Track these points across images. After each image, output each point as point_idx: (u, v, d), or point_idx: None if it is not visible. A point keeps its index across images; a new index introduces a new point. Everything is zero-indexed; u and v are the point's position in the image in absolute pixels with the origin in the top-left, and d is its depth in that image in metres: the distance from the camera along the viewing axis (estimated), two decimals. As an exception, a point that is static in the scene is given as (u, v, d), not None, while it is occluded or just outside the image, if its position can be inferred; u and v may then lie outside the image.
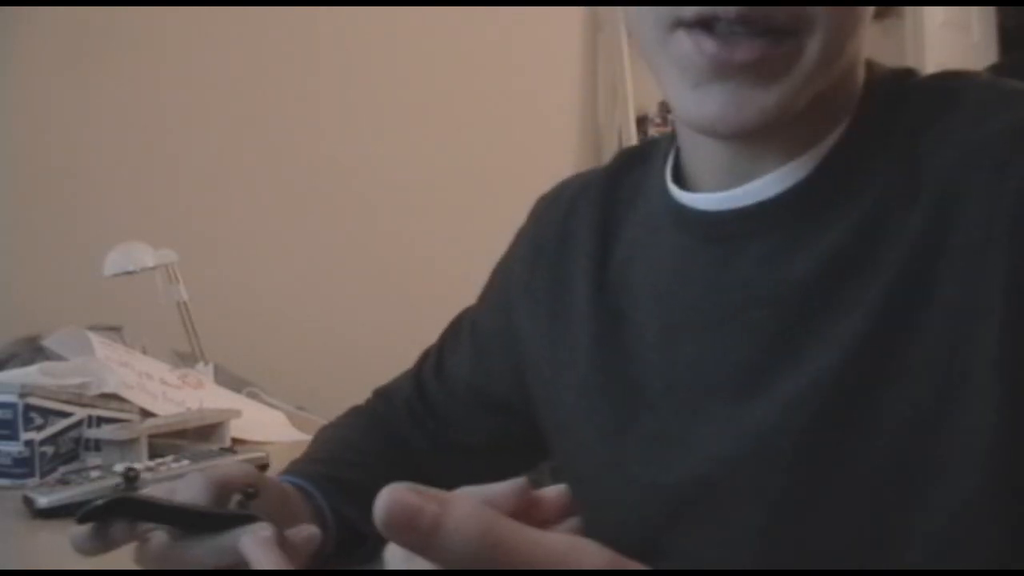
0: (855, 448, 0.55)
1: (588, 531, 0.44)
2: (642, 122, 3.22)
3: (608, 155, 3.43)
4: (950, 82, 0.60)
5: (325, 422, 1.45)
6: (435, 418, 0.83)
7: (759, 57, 0.53)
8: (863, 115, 0.60)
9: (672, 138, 0.68)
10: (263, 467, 0.88)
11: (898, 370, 0.54)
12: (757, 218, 0.59)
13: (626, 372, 0.65)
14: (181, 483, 0.63)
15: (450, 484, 0.58)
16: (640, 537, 0.62)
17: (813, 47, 0.54)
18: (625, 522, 0.63)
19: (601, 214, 0.72)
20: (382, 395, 0.89)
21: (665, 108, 3.28)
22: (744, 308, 0.59)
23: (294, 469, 0.77)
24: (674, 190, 0.65)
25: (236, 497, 0.60)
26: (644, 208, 0.69)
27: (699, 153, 0.63)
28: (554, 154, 3.20)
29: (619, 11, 3.17)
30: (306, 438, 1.26)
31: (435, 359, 0.86)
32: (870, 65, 0.62)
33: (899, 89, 0.61)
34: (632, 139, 3.14)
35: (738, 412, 0.58)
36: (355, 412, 0.89)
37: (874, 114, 0.60)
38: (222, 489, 0.62)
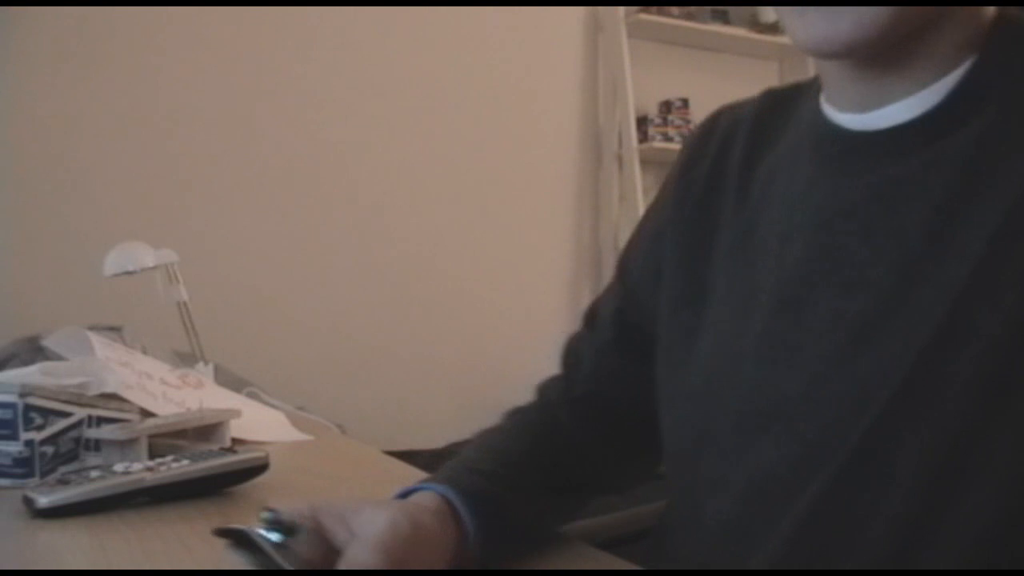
0: (940, 388, 0.57)
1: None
2: (642, 122, 3.22)
3: (608, 155, 3.42)
4: None
5: (325, 422, 1.45)
6: (584, 378, 0.84)
7: None
8: (990, 53, 0.61)
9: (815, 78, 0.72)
10: (262, 467, 0.88)
11: (990, 324, 0.56)
12: (884, 142, 0.63)
13: (748, 279, 0.69)
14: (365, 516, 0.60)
15: (597, 461, 0.73)
16: (733, 444, 0.67)
17: None
18: (723, 429, 0.67)
19: (745, 152, 0.75)
20: (539, 386, 0.90)
21: (665, 108, 3.28)
22: (852, 215, 0.62)
23: (448, 477, 0.71)
24: (827, 108, 0.68)
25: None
26: (788, 139, 0.73)
27: (834, 81, 0.67)
28: (554, 154, 3.20)
29: (619, 11, 3.17)
30: (306, 438, 1.26)
31: (590, 311, 0.89)
32: (1003, 10, 0.63)
33: None
34: (632, 139, 3.14)
35: (840, 307, 0.62)
36: (512, 412, 0.88)
37: (1000, 53, 0.61)
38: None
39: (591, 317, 0.88)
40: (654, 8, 3.21)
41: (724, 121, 0.79)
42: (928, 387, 0.57)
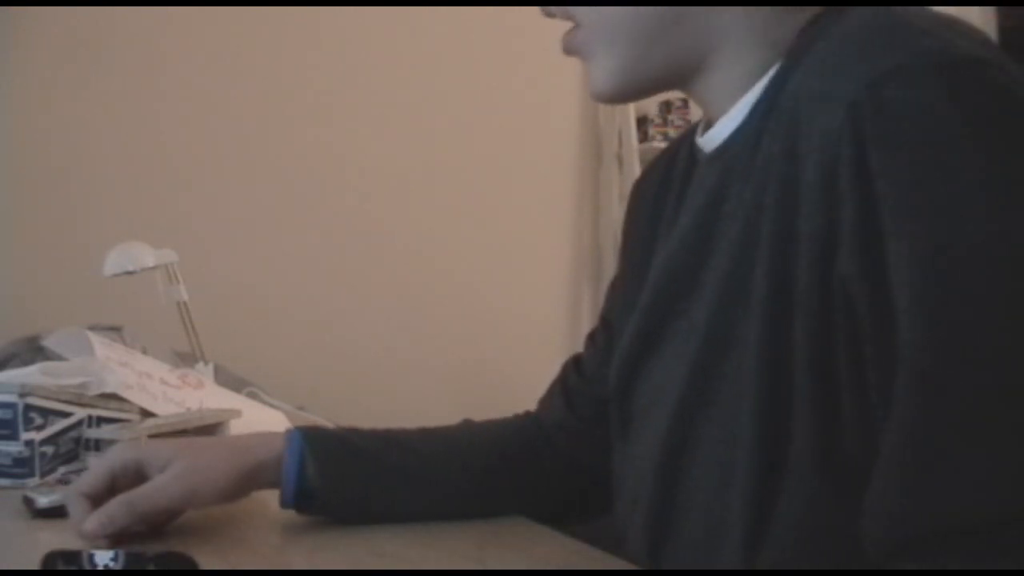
0: (713, 389, 0.64)
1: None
2: (642, 122, 3.22)
3: (608, 155, 3.41)
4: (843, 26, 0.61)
5: (325, 422, 1.45)
6: (580, 374, 0.88)
7: (568, 46, 0.70)
8: (777, 74, 0.64)
9: None
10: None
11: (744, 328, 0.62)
12: (713, 159, 0.68)
13: (640, 286, 0.75)
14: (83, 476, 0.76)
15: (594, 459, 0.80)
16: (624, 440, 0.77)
17: (586, 33, 0.68)
18: (617, 428, 0.77)
19: (666, 165, 0.80)
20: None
21: (665, 108, 3.28)
22: (688, 233, 0.68)
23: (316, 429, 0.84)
24: (699, 132, 0.73)
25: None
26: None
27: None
28: (554, 154, 3.20)
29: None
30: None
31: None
32: (823, 10, 0.64)
33: (809, 44, 0.62)
34: (632, 139, 3.14)
35: (676, 324, 0.69)
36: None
37: (783, 73, 0.63)
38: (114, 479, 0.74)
39: (593, 332, 0.91)
40: (654, 8, 3.21)
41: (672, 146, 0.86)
42: (703, 388, 0.64)
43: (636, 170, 3.12)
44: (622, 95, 0.70)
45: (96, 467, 0.75)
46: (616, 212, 3.22)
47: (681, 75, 0.67)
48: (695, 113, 3.25)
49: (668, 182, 0.77)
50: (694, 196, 0.69)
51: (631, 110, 3.14)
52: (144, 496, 0.71)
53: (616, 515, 0.76)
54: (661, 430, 0.67)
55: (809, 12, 0.64)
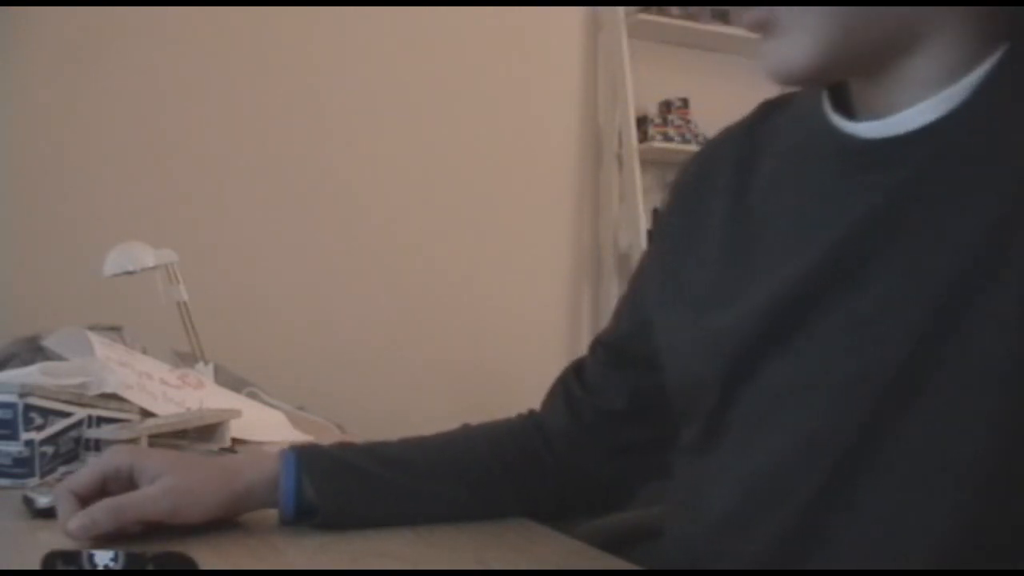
0: (937, 376, 0.58)
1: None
2: (642, 122, 3.22)
3: (608, 155, 3.42)
4: None
5: (325, 422, 1.45)
6: (584, 387, 0.86)
7: (760, 18, 0.63)
8: (1011, 54, 0.60)
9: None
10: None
11: (991, 312, 0.57)
12: (900, 147, 0.62)
13: (746, 281, 0.69)
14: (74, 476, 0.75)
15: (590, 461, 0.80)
16: (740, 435, 0.69)
17: (786, 12, 0.62)
18: (730, 421, 0.69)
19: (739, 154, 0.75)
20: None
21: (665, 108, 3.27)
22: (870, 219, 0.62)
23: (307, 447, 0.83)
24: (835, 116, 0.67)
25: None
26: (787, 143, 0.73)
27: (846, 90, 0.68)
28: (554, 154, 3.20)
29: (619, 11, 3.17)
30: (306, 438, 1.26)
31: (600, 332, 0.90)
32: None
33: None
34: (632, 139, 3.14)
35: (851, 305, 0.62)
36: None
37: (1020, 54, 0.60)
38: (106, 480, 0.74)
39: (596, 340, 0.89)
40: (654, 8, 3.21)
41: (714, 140, 0.80)
42: (925, 375, 0.58)
43: (636, 170, 3.12)
44: (815, 75, 0.63)
45: (89, 468, 0.75)
46: (616, 212, 3.22)
47: (878, 60, 0.62)
48: (695, 113, 3.26)
49: (747, 173, 0.73)
50: (858, 180, 0.64)
51: (631, 110, 3.14)
52: (130, 505, 0.72)
53: (681, 528, 0.72)
54: (813, 433, 0.62)
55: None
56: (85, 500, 0.72)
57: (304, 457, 0.79)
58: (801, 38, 0.61)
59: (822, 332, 0.63)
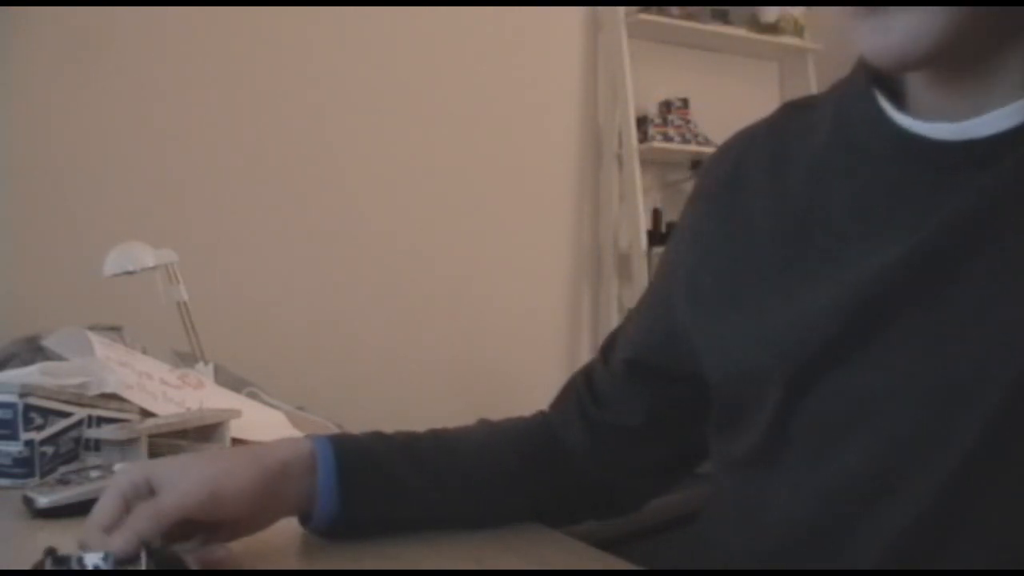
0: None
1: None
2: (642, 122, 3.22)
3: (608, 155, 3.42)
4: None
5: (325, 422, 1.45)
6: (597, 402, 0.84)
7: None
8: None
9: (849, 81, 0.69)
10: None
11: None
12: (984, 150, 0.59)
13: (808, 286, 0.66)
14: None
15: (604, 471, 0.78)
16: (812, 446, 0.66)
17: None
18: (799, 431, 0.67)
19: (770, 153, 0.73)
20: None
21: (665, 108, 3.27)
22: (953, 223, 0.60)
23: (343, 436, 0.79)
24: (900, 117, 0.64)
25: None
26: (826, 140, 0.70)
27: (919, 89, 0.64)
28: (554, 154, 3.20)
29: (619, 11, 3.17)
30: (306, 438, 1.26)
31: (609, 341, 0.87)
32: None
33: None
34: (632, 139, 3.14)
35: (934, 308, 0.59)
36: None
37: None
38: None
39: (608, 349, 0.86)
40: (654, 8, 3.21)
41: (736, 142, 0.78)
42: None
43: (636, 170, 3.12)
44: (925, 60, 0.57)
45: (106, 496, 0.68)
46: (616, 212, 3.22)
47: (989, 48, 0.58)
48: (695, 113, 3.26)
49: (783, 172, 0.71)
50: (944, 181, 0.60)
51: (631, 110, 3.14)
52: (168, 504, 0.66)
53: (743, 542, 0.70)
54: (914, 441, 0.59)
55: None
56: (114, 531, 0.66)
57: (340, 457, 0.75)
58: (920, 20, 0.55)
59: (910, 336, 0.60)
